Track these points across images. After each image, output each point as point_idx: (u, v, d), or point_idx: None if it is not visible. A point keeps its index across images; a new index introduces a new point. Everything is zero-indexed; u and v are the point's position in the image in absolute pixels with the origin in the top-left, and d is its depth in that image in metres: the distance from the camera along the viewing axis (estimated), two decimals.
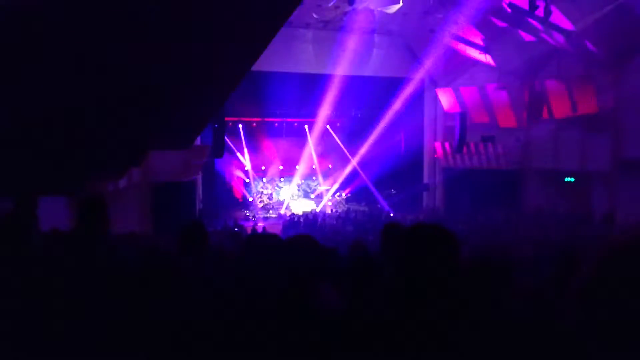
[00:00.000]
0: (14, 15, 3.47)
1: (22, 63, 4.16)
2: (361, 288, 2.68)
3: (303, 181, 23.58)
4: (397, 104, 20.21)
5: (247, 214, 21.09)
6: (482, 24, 16.35)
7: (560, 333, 1.06)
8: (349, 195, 23.04)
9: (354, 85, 19.13)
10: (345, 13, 17.18)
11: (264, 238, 2.76)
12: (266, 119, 22.33)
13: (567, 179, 17.34)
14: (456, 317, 1.55)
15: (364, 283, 2.85)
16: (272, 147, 23.26)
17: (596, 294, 0.79)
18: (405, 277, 1.61)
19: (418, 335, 1.52)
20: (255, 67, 6.58)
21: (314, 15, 17.30)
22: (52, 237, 3.63)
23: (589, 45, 14.77)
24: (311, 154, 23.28)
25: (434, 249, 1.62)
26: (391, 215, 19.83)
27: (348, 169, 22.36)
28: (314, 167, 23.62)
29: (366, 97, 20.07)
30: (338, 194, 23.00)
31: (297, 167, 23.45)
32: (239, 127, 21.77)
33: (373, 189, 21.57)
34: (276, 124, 22.79)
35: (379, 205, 21.19)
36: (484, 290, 2.11)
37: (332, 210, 21.30)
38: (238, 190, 22.28)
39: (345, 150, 22.49)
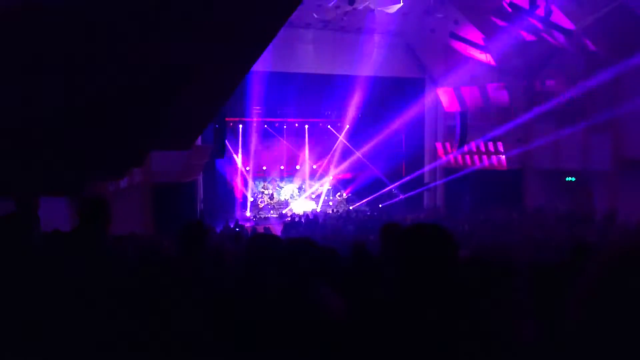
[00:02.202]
0: (12, 14, 3.47)
1: (21, 63, 4.16)
2: (362, 289, 2.68)
3: (303, 181, 23.62)
4: (398, 104, 20.23)
5: (248, 214, 21.10)
6: (482, 23, 16.35)
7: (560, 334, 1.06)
8: (349, 195, 23.05)
9: (355, 85, 19.14)
10: (345, 13, 17.19)
11: (264, 239, 2.75)
12: (267, 119, 22.34)
13: (568, 179, 17.33)
14: (456, 317, 1.54)
15: (365, 283, 2.84)
16: (273, 148, 23.27)
17: (600, 299, 0.78)
18: (404, 277, 1.61)
19: (418, 336, 1.52)
20: (256, 67, 6.59)
21: (315, 15, 17.31)
22: (53, 238, 3.63)
23: (590, 45, 14.76)
24: (312, 154, 23.32)
25: (433, 248, 1.62)
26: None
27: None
28: (314, 167, 23.64)
29: (366, 98, 20.08)
30: (339, 193, 23.00)
31: (297, 167, 23.47)
32: (239, 128, 21.78)
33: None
34: (277, 124, 22.80)
35: (380, 205, 21.18)
36: (485, 290, 2.11)
37: (333, 210, 21.31)
38: (239, 191, 22.29)
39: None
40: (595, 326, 0.77)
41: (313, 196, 23.10)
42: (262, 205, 21.90)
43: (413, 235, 1.67)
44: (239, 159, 22.18)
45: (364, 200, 22.34)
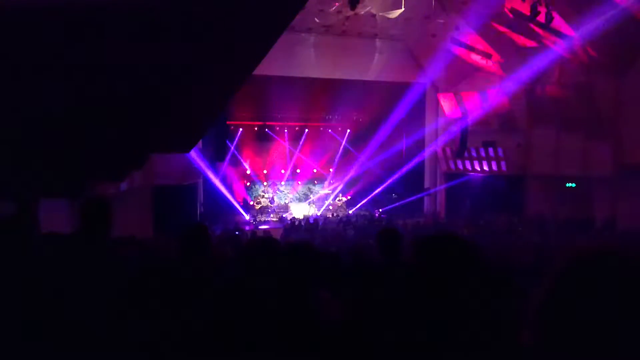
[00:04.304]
0: (14, 15, 3.49)
1: (22, 64, 4.18)
2: (362, 292, 2.68)
3: (304, 184, 23.64)
4: (399, 109, 20.26)
5: (248, 218, 21.09)
6: (483, 29, 16.39)
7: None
8: (349, 199, 23.05)
9: (355, 89, 19.17)
10: (347, 18, 17.23)
11: (263, 242, 2.76)
12: (267, 123, 22.37)
13: (569, 185, 17.34)
14: (456, 321, 1.55)
15: (365, 287, 2.84)
16: (274, 151, 23.28)
17: (553, 304, 0.80)
18: (420, 284, 1.62)
19: (417, 339, 1.52)
20: (257, 71, 6.60)
21: (316, 20, 17.35)
22: (53, 240, 3.63)
23: (590, 51, 14.80)
24: (312, 158, 23.35)
25: (455, 260, 1.63)
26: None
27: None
28: (314, 171, 23.67)
29: (367, 102, 20.10)
30: (338, 198, 23.01)
31: (297, 170, 23.50)
32: (240, 131, 21.81)
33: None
34: (277, 128, 22.83)
35: (380, 210, 21.19)
36: (483, 294, 2.11)
37: (332, 214, 21.30)
38: (239, 194, 22.28)
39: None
40: (546, 329, 0.78)
41: (314, 200, 23.11)
42: (259, 207, 21.91)
43: (435, 244, 1.68)
44: (239, 163, 22.20)
45: (363, 203, 22.34)
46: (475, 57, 17.93)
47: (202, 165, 17.05)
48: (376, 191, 21.89)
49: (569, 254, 0.82)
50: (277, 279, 2.12)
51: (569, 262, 0.81)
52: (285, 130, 22.94)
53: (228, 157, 20.54)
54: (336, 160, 23.63)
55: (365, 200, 22.31)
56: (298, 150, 23.21)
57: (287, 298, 1.99)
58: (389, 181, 21.58)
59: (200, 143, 15.34)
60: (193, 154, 14.83)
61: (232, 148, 21.18)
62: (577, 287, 0.77)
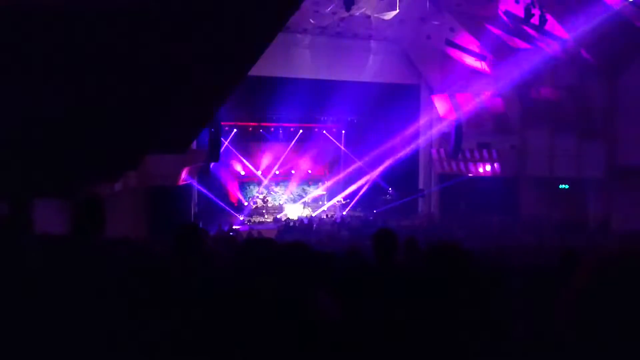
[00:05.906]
0: (13, 16, 3.48)
1: (21, 64, 4.16)
2: (357, 295, 2.68)
3: (298, 186, 23.64)
4: (393, 110, 20.29)
5: (242, 219, 21.05)
6: (478, 31, 16.46)
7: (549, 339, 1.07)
8: (344, 200, 23.08)
9: (350, 90, 19.20)
10: (342, 19, 17.25)
11: (259, 242, 2.76)
12: (262, 124, 22.35)
13: (562, 186, 17.42)
14: (450, 320, 1.55)
15: (361, 290, 2.84)
16: (268, 152, 23.26)
17: (588, 304, 0.81)
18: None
19: (416, 344, 1.53)
20: (252, 72, 6.61)
21: (311, 21, 17.36)
22: (47, 240, 3.61)
23: (584, 53, 14.89)
24: (307, 159, 23.34)
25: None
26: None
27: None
28: (309, 171, 23.67)
29: (362, 103, 20.13)
30: (334, 199, 23.04)
31: (292, 171, 23.49)
32: (234, 132, 21.78)
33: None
34: (272, 129, 22.81)
35: (375, 211, 21.21)
36: (478, 295, 2.12)
37: (327, 215, 21.31)
38: (234, 195, 22.25)
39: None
40: (581, 328, 0.79)
41: (309, 201, 23.11)
42: (254, 207, 21.88)
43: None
44: (234, 163, 22.16)
45: (357, 205, 22.33)
46: (470, 59, 17.99)
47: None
48: (370, 193, 21.90)
49: (603, 253, 0.84)
50: (275, 279, 2.12)
51: (608, 262, 0.82)
52: (280, 131, 22.93)
53: (222, 158, 20.52)
54: (330, 161, 23.62)
55: (358, 201, 22.33)
56: (292, 151, 23.20)
57: (286, 298, 1.99)
58: (383, 183, 21.61)
59: (194, 144, 15.32)
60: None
61: (227, 148, 21.13)
62: (619, 285, 0.79)
